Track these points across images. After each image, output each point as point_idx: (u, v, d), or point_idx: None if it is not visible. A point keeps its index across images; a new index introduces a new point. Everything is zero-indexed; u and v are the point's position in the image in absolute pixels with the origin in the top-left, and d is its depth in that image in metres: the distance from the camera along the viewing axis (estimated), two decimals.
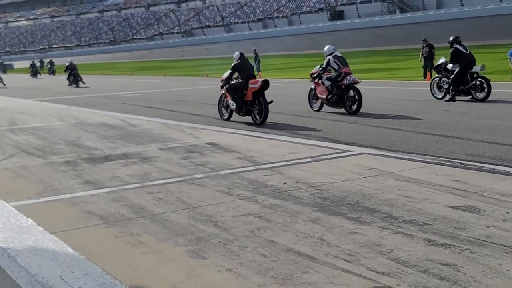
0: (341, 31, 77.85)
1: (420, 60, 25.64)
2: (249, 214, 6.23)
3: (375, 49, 56.41)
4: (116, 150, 10.59)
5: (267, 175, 7.96)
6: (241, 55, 13.90)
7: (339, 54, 15.01)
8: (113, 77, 44.53)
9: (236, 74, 13.92)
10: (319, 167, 8.29)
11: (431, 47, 25.16)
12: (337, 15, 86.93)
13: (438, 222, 5.61)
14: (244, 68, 13.60)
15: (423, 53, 25.21)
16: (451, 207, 6.09)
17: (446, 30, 61.06)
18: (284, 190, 7.17)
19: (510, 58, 21.78)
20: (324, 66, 14.83)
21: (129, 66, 66.45)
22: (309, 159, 8.81)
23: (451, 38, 16.36)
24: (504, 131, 10.69)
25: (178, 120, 14.47)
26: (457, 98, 16.17)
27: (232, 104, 13.70)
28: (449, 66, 16.29)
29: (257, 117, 13.19)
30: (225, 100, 14.18)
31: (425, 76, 24.85)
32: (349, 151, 9.38)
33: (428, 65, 25.05)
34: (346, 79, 14.29)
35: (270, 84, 13.43)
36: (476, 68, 15.83)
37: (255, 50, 32.30)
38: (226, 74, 13.97)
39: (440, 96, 16.59)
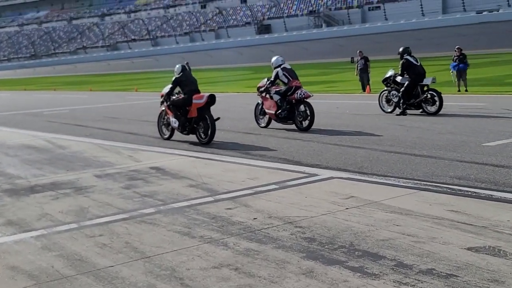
0: (269, 45, 77.67)
1: (356, 74, 25.14)
2: (222, 265, 4.92)
3: (304, 63, 56.19)
4: (44, 178, 9.13)
5: (230, 208, 6.77)
6: (183, 67, 12.88)
7: (288, 66, 14.16)
8: (36, 93, 42.14)
9: (178, 89, 12.83)
10: (289, 196, 7.19)
11: (366, 59, 24.77)
12: (265, 29, 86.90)
13: (464, 272, 4.48)
14: (187, 82, 12.61)
15: (358, 65, 24.76)
16: (468, 249, 4.99)
17: (371, 44, 62.00)
18: (256, 228, 5.93)
19: (452, 71, 21.47)
20: (272, 79, 13.99)
21: (51, 81, 63.63)
22: (274, 186, 7.80)
23: (401, 49, 15.78)
24: (477, 148, 9.96)
25: (113, 140, 13.54)
26: (408, 112, 15.48)
27: (174, 122, 12.70)
28: (398, 78, 15.69)
29: (203, 135, 12.28)
30: (166, 117, 13.22)
31: (364, 89, 24.38)
32: (315, 174, 8.45)
33: (364, 77, 24.70)
34: (297, 93, 13.49)
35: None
36: (427, 81, 15.31)
37: (187, 63, 31.04)
38: (167, 89, 13.00)
39: (389, 110, 15.96)
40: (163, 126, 13.38)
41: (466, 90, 21.30)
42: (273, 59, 14.43)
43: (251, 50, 78.69)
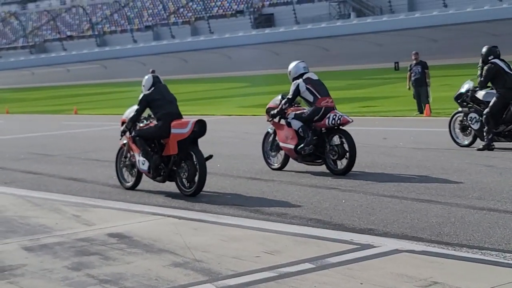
0: (271, 44, 78.40)
1: (409, 88, 25.07)
2: None
3: (324, 70, 56.21)
4: None
5: None
6: (155, 79, 12.93)
7: (315, 77, 14.17)
8: None
9: (148, 112, 12.84)
10: (334, 282, 7.01)
11: (424, 65, 24.81)
12: (265, 21, 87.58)
13: None
14: (161, 102, 12.56)
15: (413, 74, 24.70)
16: None
17: (424, 42, 62.55)
18: None
19: None
20: (290, 96, 13.93)
21: None
22: (308, 265, 7.54)
23: (484, 49, 15.78)
24: None
25: (47, 191, 13.52)
26: (495, 144, 15.30)
27: (143, 163, 12.59)
28: (480, 94, 15.53)
29: (187, 183, 12.17)
30: (130, 155, 13.09)
31: (421, 110, 24.36)
32: (370, 245, 8.24)
33: (422, 92, 24.67)
34: (329, 118, 13.43)
35: None
36: None
37: (153, 72, 30.89)
38: (131, 112, 12.96)
39: (466, 142, 15.90)
40: (124, 169, 13.26)
41: None
42: (291, 65, 14.34)
43: (245, 51, 79.35)
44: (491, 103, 15.22)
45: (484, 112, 15.25)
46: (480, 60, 15.72)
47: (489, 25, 62.90)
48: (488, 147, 15.12)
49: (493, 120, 15.16)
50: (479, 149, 15.18)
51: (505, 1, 68.59)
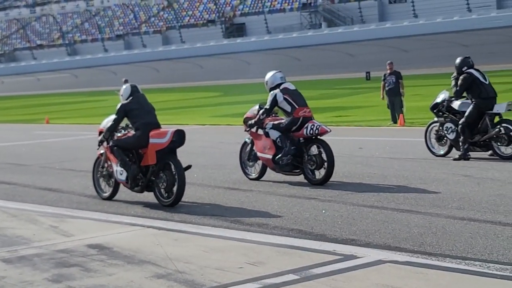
0: (243, 53, 78.56)
1: (383, 98, 25.15)
2: None
3: (296, 79, 56.40)
4: None
5: None
6: (134, 89, 12.87)
7: (292, 87, 14.14)
8: None
9: (126, 121, 12.78)
10: None
11: (398, 75, 24.89)
12: (236, 30, 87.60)
13: None
14: (139, 112, 12.49)
15: (386, 84, 24.76)
16: None
17: (394, 52, 62.92)
18: None
19: None
20: (268, 106, 13.92)
21: None
22: (292, 276, 7.47)
23: (458, 60, 15.82)
24: None
25: (22, 201, 13.35)
26: (471, 154, 15.36)
27: (121, 173, 12.52)
28: (456, 104, 15.58)
29: (166, 194, 12.08)
30: (107, 165, 13.01)
31: (395, 120, 24.42)
32: (353, 256, 8.19)
33: (396, 102, 24.69)
34: (307, 128, 13.40)
35: None
36: (500, 108, 15.26)
37: (126, 80, 30.82)
38: (109, 122, 12.85)
39: (442, 152, 15.94)
40: (102, 179, 13.17)
41: None
42: (268, 75, 14.32)
43: (216, 61, 79.43)
44: (466, 113, 15.28)
45: (460, 122, 15.30)
46: (455, 71, 15.79)
47: (459, 35, 63.51)
48: (464, 157, 15.17)
49: (468, 130, 15.22)
50: (455, 159, 15.23)
51: (475, 12, 69.24)
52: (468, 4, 71.05)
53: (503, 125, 15.10)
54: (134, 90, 12.74)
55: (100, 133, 12.99)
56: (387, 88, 24.74)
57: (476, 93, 15.29)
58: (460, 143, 15.27)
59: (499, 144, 15.12)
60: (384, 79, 24.95)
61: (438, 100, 16.03)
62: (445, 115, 15.90)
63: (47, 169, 17.83)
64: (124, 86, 12.87)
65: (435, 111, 16.10)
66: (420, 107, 28.36)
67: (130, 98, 12.61)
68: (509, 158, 14.90)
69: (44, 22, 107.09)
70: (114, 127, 12.68)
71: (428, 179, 13.10)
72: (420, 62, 62.40)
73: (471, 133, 15.27)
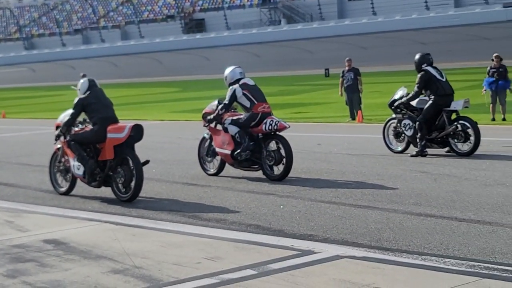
0: (202, 49, 78.43)
1: (341, 94, 25.26)
2: None
3: (256, 76, 56.48)
4: None
5: None
6: (91, 83, 12.77)
7: (251, 82, 14.13)
8: None
9: (83, 116, 12.70)
10: None
11: (356, 72, 24.88)
12: (196, 26, 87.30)
13: None
14: (97, 106, 12.41)
15: (345, 80, 24.80)
16: None
17: (353, 49, 63.20)
18: None
19: (486, 90, 21.70)
20: (227, 101, 13.89)
21: None
22: (250, 271, 7.49)
23: (417, 56, 15.92)
24: None
25: None
26: (428, 150, 15.47)
27: (78, 168, 12.44)
28: (414, 101, 15.63)
29: (123, 189, 12.02)
30: (64, 160, 12.90)
31: (353, 116, 24.47)
32: (311, 251, 8.23)
33: (354, 99, 24.74)
34: (266, 123, 13.40)
35: None
36: (457, 105, 15.36)
37: (84, 75, 30.51)
38: (66, 116, 12.76)
39: (400, 149, 16.02)
40: (58, 174, 13.08)
41: (504, 119, 21.54)
42: (227, 71, 14.29)
43: (176, 56, 79.16)
44: (424, 110, 15.38)
45: (418, 118, 15.40)
46: (416, 67, 15.88)
47: (417, 33, 63.95)
48: (421, 154, 15.26)
49: (426, 126, 15.32)
50: (412, 156, 15.31)
51: (433, 10, 69.79)
52: (426, 2, 71.57)
53: (460, 122, 15.22)
54: (91, 85, 12.65)
55: (57, 127, 12.88)
56: (345, 85, 24.78)
57: (434, 90, 15.39)
58: (418, 140, 15.36)
59: (456, 140, 15.24)
60: (342, 76, 24.99)
61: (396, 96, 16.11)
62: (403, 111, 15.97)
63: (3, 164, 17.66)
64: (81, 81, 12.77)
65: (393, 107, 16.17)
66: (379, 104, 28.52)
67: (88, 92, 12.53)
68: (466, 154, 15.02)
69: (0, 16, 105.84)
70: (71, 122, 12.59)
71: (385, 175, 13.17)
72: (378, 59, 62.75)
73: (429, 129, 15.37)
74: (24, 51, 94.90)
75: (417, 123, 15.37)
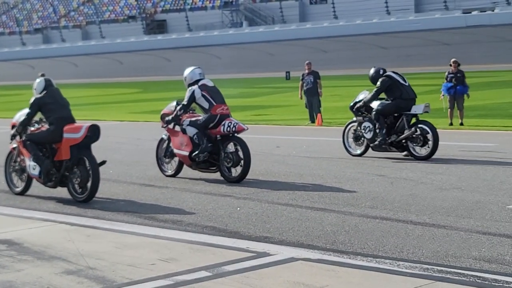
0: (163, 50, 78.31)
1: (301, 97, 25.31)
2: None
3: (218, 78, 56.38)
4: None
5: None
6: (48, 83, 12.61)
7: (210, 83, 14.06)
8: None
9: (39, 116, 12.54)
10: None
11: (316, 75, 24.94)
12: (157, 27, 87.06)
13: None
14: (53, 106, 12.25)
15: (305, 83, 24.86)
16: None
17: (314, 52, 63.50)
18: None
19: (444, 95, 21.87)
20: (185, 102, 13.81)
21: None
22: (204, 273, 7.49)
23: (372, 71, 16.18)
24: (501, 212, 10.07)
25: None
26: (386, 154, 15.59)
27: (34, 167, 12.24)
28: (374, 104, 15.76)
29: (79, 189, 11.92)
30: (19, 160, 12.76)
31: (312, 119, 24.49)
32: (266, 253, 8.24)
33: (314, 102, 24.79)
34: (224, 125, 13.35)
35: None
36: (418, 109, 15.45)
37: (43, 75, 30.21)
38: (22, 116, 12.60)
39: (358, 152, 16.08)
40: (14, 174, 12.92)
41: (462, 124, 21.73)
42: (187, 71, 14.22)
43: (137, 57, 78.87)
44: (384, 104, 15.49)
45: (375, 108, 15.47)
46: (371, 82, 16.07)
47: (378, 37, 64.35)
48: (384, 142, 15.25)
49: (383, 117, 15.40)
50: (372, 147, 15.38)
51: (393, 14, 70.26)
52: (387, 7, 72.05)
53: (419, 126, 15.31)
54: (48, 84, 12.48)
55: (13, 126, 12.69)
56: (305, 88, 24.82)
57: (397, 94, 15.48)
58: (377, 130, 15.36)
59: (414, 144, 15.31)
60: (302, 79, 25.04)
61: (358, 99, 16.17)
62: (363, 114, 16.02)
63: None
64: (38, 80, 12.60)
65: (354, 110, 16.21)
66: (338, 108, 28.63)
67: (44, 92, 12.36)
68: (424, 158, 15.12)
69: None
70: (27, 121, 12.41)
71: (343, 178, 13.20)
72: (339, 63, 63.07)
73: (388, 133, 15.40)
74: None
75: (374, 113, 15.47)
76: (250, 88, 49.19)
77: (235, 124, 13.31)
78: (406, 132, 15.32)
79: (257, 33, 73.66)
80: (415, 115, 15.55)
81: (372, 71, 16.18)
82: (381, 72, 15.85)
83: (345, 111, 22.52)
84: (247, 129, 13.55)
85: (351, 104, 16.31)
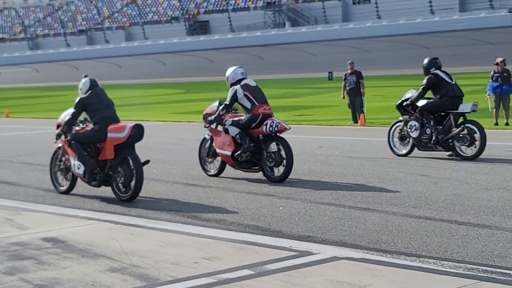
0: (206, 51, 78.48)
1: (344, 97, 25.22)
2: None
3: (259, 78, 56.52)
4: None
5: None
6: (93, 83, 12.74)
7: (253, 83, 14.05)
8: None
9: (84, 115, 12.67)
10: None
11: (359, 75, 24.83)
12: (200, 28, 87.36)
13: None
14: (98, 106, 12.38)
15: (347, 83, 24.76)
16: None
17: (357, 52, 63.26)
18: None
19: (490, 94, 21.66)
20: (228, 102, 13.82)
21: None
22: (247, 271, 7.51)
23: (426, 61, 15.94)
24: None
25: None
26: (430, 153, 15.51)
27: (78, 167, 12.38)
28: (421, 102, 15.68)
29: (123, 188, 11.99)
30: (65, 159, 12.87)
31: (355, 119, 24.42)
32: (309, 252, 8.23)
33: (356, 102, 24.69)
34: (266, 125, 13.34)
35: None
36: (465, 108, 15.31)
37: (86, 76, 30.56)
38: (67, 116, 12.71)
39: (404, 152, 15.93)
40: (59, 173, 13.03)
41: (507, 124, 21.50)
42: (229, 71, 14.23)
43: (180, 58, 79.23)
44: (430, 102, 15.43)
45: (420, 106, 15.42)
46: (424, 72, 15.87)
47: (421, 37, 63.91)
48: (430, 141, 15.16)
49: (428, 115, 15.35)
50: (429, 145, 15.27)
51: (437, 14, 69.73)
52: (431, 6, 71.57)
53: (467, 125, 15.15)
54: (93, 84, 12.62)
55: (58, 126, 12.84)
56: (348, 88, 24.74)
57: (443, 92, 15.37)
58: (424, 128, 15.28)
59: (461, 144, 15.17)
60: (345, 79, 24.95)
61: (404, 98, 16.07)
62: (410, 113, 15.91)
63: (4, 163, 17.60)
64: (83, 80, 12.75)
65: (400, 109, 16.08)
66: (381, 108, 28.51)
67: (89, 92, 12.50)
68: (470, 159, 14.95)
69: (6, 16, 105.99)
70: (72, 121, 12.55)
71: (386, 178, 13.14)
72: (382, 63, 62.79)
73: (435, 130, 15.28)
74: (29, 51, 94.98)
75: (418, 110, 15.43)
76: (292, 88, 49.18)
77: (277, 124, 13.30)
78: (453, 131, 15.22)
79: (299, 34, 73.59)
80: (463, 114, 15.42)
81: (425, 61, 16.01)
82: (432, 67, 15.68)
83: (388, 111, 22.45)
84: (289, 128, 13.54)
85: (398, 102, 16.19)
